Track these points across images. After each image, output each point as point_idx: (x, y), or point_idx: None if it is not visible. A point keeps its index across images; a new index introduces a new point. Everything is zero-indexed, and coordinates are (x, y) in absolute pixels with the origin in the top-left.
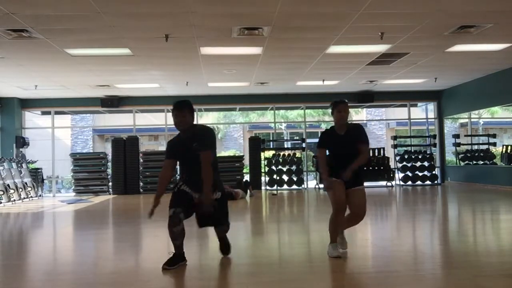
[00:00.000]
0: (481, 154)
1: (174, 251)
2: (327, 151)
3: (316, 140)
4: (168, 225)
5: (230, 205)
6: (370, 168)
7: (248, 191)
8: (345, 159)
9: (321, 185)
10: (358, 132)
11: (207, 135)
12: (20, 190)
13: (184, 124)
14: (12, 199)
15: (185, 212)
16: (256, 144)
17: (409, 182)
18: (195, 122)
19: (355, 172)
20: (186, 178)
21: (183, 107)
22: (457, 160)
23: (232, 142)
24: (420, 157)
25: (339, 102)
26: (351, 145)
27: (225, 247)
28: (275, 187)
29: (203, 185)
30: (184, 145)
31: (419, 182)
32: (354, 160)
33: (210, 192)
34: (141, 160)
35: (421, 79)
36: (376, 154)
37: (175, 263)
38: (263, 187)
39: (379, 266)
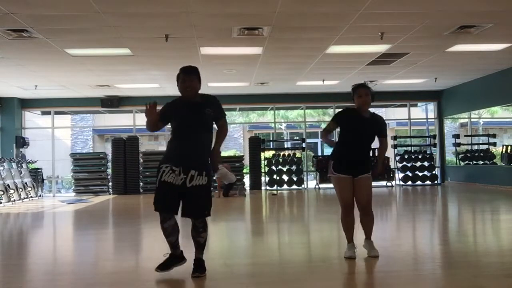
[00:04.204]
0: (481, 154)
1: (169, 253)
2: (336, 136)
3: (316, 140)
4: (160, 222)
5: (229, 205)
6: (370, 173)
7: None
8: (359, 148)
9: (321, 185)
10: (382, 124)
11: (219, 103)
12: (20, 190)
13: (192, 89)
14: (12, 199)
15: (176, 206)
16: (256, 144)
17: (409, 182)
18: None
19: (361, 161)
20: (174, 155)
21: (190, 71)
22: (457, 160)
23: (232, 142)
24: (420, 157)
25: (358, 86)
26: (371, 132)
27: (198, 264)
28: (275, 187)
29: (216, 141)
30: (190, 109)
31: (419, 182)
32: (365, 151)
33: (219, 150)
34: (141, 160)
35: (421, 79)
36: (376, 154)
37: (170, 266)
38: (263, 187)
39: (379, 266)
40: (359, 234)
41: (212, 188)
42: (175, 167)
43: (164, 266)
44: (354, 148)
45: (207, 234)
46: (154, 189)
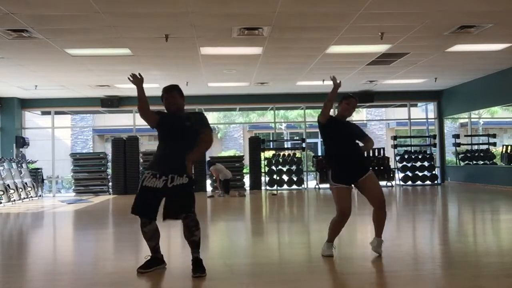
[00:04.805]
0: (481, 154)
1: (150, 255)
2: (327, 141)
3: (316, 140)
4: (140, 226)
5: (229, 205)
6: (370, 168)
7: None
8: (348, 153)
9: (321, 185)
10: (358, 128)
11: (203, 115)
12: (20, 190)
13: (175, 105)
14: (12, 199)
15: (153, 212)
16: (256, 144)
17: (409, 182)
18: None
19: (360, 160)
20: (155, 163)
21: (171, 89)
22: (457, 160)
23: (232, 142)
24: (420, 157)
25: (351, 97)
26: (352, 135)
27: (196, 264)
28: (275, 187)
29: (195, 149)
30: (174, 122)
31: (419, 182)
32: (358, 154)
33: (194, 157)
34: (141, 160)
35: (421, 79)
36: (376, 154)
37: (150, 266)
38: (263, 187)
39: (379, 266)
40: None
41: (213, 190)
42: (155, 172)
43: (145, 267)
44: (343, 152)
45: (200, 232)
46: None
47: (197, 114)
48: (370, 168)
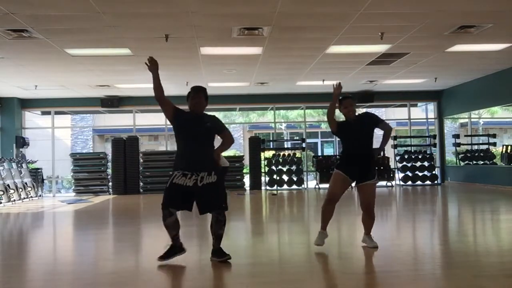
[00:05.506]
0: (481, 154)
1: (170, 243)
2: (339, 140)
3: (316, 140)
4: (162, 219)
5: (229, 205)
6: (376, 177)
7: None
8: (359, 153)
9: (321, 185)
10: (371, 117)
11: (218, 119)
12: (20, 190)
13: (199, 107)
14: (12, 199)
15: (178, 205)
16: (256, 144)
17: (409, 182)
18: None
19: (367, 165)
20: (184, 162)
21: (199, 91)
22: (457, 160)
23: None
24: (420, 157)
25: (343, 99)
26: (365, 130)
27: (220, 251)
28: (275, 187)
29: (220, 145)
30: (195, 122)
31: (419, 182)
32: (368, 157)
33: (220, 154)
34: (141, 160)
35: (421, 79)
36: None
37: (170, 255)
38: (263, 187)
39: (379, 266)
40: (358, 233)
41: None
42: (186, 171)
43: (165, 256)
44: (352, 150)
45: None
46: (164, 190)
47: (213, 117)
48: (375, 177)
